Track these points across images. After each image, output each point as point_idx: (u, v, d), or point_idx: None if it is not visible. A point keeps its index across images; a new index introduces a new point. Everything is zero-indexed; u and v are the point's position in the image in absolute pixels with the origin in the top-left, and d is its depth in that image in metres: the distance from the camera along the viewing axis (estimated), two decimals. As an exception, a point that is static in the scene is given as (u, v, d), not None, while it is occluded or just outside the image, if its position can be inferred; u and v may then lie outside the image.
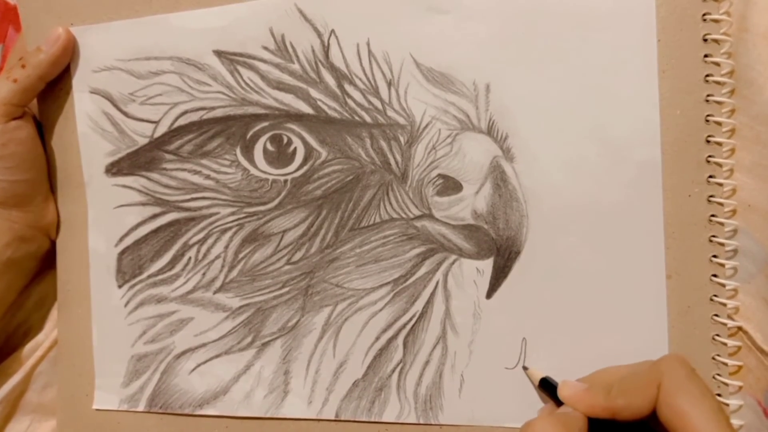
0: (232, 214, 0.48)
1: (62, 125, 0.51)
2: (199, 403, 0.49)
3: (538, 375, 0.43)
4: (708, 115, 0.42)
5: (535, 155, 0.44)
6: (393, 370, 0.47)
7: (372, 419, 0.47)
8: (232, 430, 0.49)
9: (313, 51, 0.46)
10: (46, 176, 0.51)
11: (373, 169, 0.46)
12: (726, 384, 0.42)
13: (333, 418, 0.47)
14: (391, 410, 0.47)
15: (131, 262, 0.50)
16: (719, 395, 0.42)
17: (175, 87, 0.49)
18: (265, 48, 0.47)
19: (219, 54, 0.48)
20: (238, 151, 0.48)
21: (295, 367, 0.48)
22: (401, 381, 0.46)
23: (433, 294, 0.46)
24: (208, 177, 0.49)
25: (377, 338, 0.47)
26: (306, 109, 0.47)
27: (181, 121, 0.49)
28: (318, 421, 0.48)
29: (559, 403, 0.41)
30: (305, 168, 0.47)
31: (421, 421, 0.46)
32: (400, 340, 0.46)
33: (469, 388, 0.46)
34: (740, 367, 0.42)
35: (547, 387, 0.42)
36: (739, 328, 0.42)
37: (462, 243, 0.45)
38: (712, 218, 0.42)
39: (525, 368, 0.44)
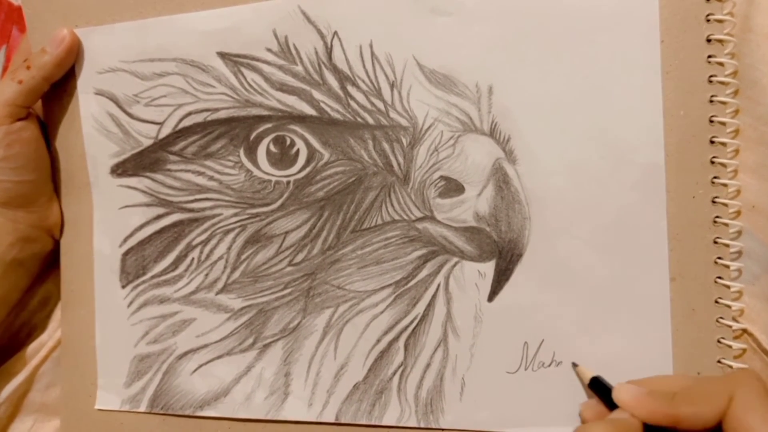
0: (235, 215, 0.48)
1: (67, 126, 0.51)
2: (200, 405, 0.49)
3: (589, 374, 0.42)
4: (712, 116, 0.42)
5: (538, 157, 0.44)
6: (394, 373, 0.46)
7: (372, 422, 0.47)
8: (234, 431, 0.49)
9: (316, 53, 0.47)
10: (50, 177, 0.51)
11: (376, 171, 0.46)
12: (731, 388, 0.41)
13: (333, 420, 0.47)
14: (391, 413, 0.46)
15: (135, 263, 0.51)
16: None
17: (179, 88, 0.49)
18: (269, 50, 0.47)
19: (223, 56, 0.48)
20: (241, 152, 0.48)
21: (296, 369, 0.48)
22: (402, 384, 0.46)
23: (434, 296, 0.46)
24: (211, 178, 0.49)
25: (378, 341, 0.47)
26: (309, 110, 0.47)
27: (186, 123, 0.49)
28: (318, 424, 0.48)
29: (609, 404, 0.40)
30: (308, 169, 0.47)
31: (422, 425, 0.46)
32: (401, 342, 0.46)
33: (470, 392, 0.45)
34: (745, 370, 0.42)
35: (598, 387, 0.42)
36: (744, 331, 0.42)
37: (464, 245, 0.45)
38: (717, 219, 0.42)
39: (574, 365, 0.44)
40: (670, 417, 0.36)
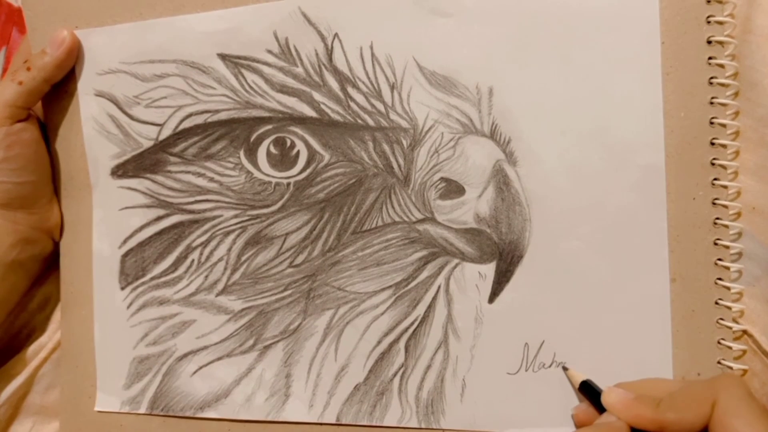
0: (236, 216, 0.48)
1: (67, 128, 0.51)
2: (201, 406, 0.49)
3: (579, 377, 0.43)
4: (712, 118, 0.42)
5: (538, 159, 0.44)
6: (394, 375, 0.46)
7: (373, 423, 0.47)
8: (233, 433, 0.49)
9: (317, 54, 0.47)
10: (50, 178, 0.51)
11: (376, 173, 0.46)
12: (731, 389, 0.41)
13: (334, 421, 0.47)
14: (392, 415, 0.46)
15: (134, 264, 0.50)
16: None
17: (179, 90, 0.49)
18: (269, 51, 0.47)
19: (223, 57, 0.48)
20: (241, 153, 0.48)
21: (297, 371, 0.48)
22: (403, 385, 0.46)
23: (435, 298, 0.46)
24: (212, 180, 0.49)
25: (379, 342, 0.47)
26: (309, 112, 0.47)
27: (186, 124, 0.49)
28: (319, 425, 0.48)
29: (598, 408, 0.40)
30: (308, 171, 0.47)
31: (423, 426, 0.46)
32: (401, 344, 0.46)
33: (471, 393, 0.45)
34: (745, 371, 0.42)
35: (588, 391, 0.42)
36: (744, 332, 0.42)
37: (464, 247, 0.45)
38: (717, 221, 0.42)
39: (565, 368, 0.44)
40: (656, 423, 0.36)
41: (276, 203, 0.48)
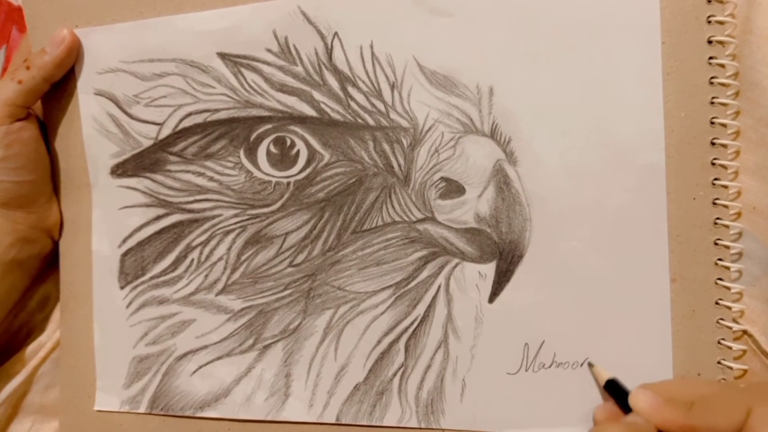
0: (235, 216, 0.48)
1: (66, 127, 0.51)
2: (200, 406, 0.49)
3: (605, 375, 0.42)
4: (713, 118, 0.42)
5: (539, 158, 0.44)
6: (394, 374, 0.46)
7: (373, 423, 0.47)
8: (233, 432, 0.49)
9: (317, 53, 0.46)
10: (49, 177, 0.51)
11: (376, 172, 0.46)
12: (731, 389, 0.41)
13: (334, 421, 0.47)
14: (392, 414, 0.46)
15: (134, 264, 0.50)
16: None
17: (179, 89, 0.49)
18: (269, 50, 0.47)
19: (223, 56, 0.48)
20: (241, 153, 0.48)
21: (297, 370, 0.48)
22: (403, 385, 0.46)
23: (435, 298, 0.46)
24: (211, 179, 0.49)
25: (379, 342, 0.46)
26: (309, 111, 0.47)
27: (186, 123, 0.49)
28: (319, 425, 0.48)
29: (623, 408, 0.40)
30: (308, 170, 0.47)
31: (423, 426, 0.46)
32: (401, 343, 0.46)
33: (471, 393, 0.45)
34: (745, 371, 0.41)
35: (614, 390, 0.41)
36: (744, 332, 0.42)
37: (464, 246, 0.45)
38: (717, 221, 0.42)
39: (591, 365, 0.43)
40: (686, 428, 0.35)
41: (276, 203, 0.48)
